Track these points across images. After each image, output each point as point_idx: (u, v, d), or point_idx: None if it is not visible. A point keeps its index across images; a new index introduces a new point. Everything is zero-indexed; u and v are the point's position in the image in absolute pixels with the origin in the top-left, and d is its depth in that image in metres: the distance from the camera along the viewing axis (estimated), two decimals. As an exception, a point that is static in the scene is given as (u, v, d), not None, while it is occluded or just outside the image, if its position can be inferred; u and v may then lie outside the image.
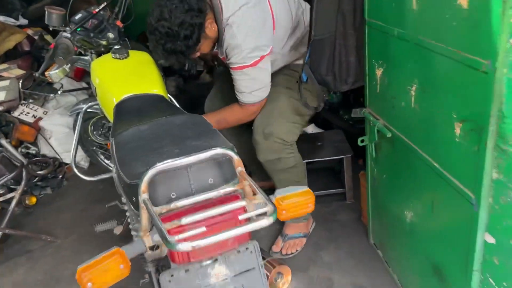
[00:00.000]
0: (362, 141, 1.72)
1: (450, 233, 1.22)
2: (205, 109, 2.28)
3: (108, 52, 1.84)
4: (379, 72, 1.50)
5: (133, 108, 1.39)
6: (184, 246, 0.78)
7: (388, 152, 1.56)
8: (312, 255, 1.94)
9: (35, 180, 2.68)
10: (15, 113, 2.74)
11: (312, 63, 1.61)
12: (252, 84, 1.76)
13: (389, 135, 1.46)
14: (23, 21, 3.44)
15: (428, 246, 1.38)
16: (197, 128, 1.14)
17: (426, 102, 1.22)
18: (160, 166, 0.86)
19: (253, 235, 1.06)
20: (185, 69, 4.58)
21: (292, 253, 1.96)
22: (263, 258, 1.11)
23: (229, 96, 2.16)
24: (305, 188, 0.99)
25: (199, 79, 4.71)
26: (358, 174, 2.17)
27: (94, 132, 2.10)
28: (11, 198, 2.26)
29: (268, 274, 1.66)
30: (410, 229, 1.48)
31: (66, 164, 2.92)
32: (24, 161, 2.45)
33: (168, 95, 1.76)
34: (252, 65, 1.71)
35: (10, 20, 3.36)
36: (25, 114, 2.80)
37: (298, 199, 0.96)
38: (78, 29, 1.80)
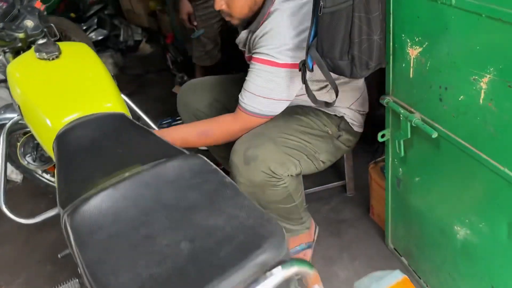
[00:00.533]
0: (383, 136, 1.38)
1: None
2: (178, 100, 1.80)
3: (28, 48, 1.30)
4: (414, 52, 1.13)
5: (86, 145, 0.92)
6: None
7: (427, 154, 1.22)
8: (325, 272, 1.63)
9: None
10: None
11: (321, 44, 1.20)
12: (268, 86, 1.35)
13: (434, 135, 1.12)
14: None
15: (497, 274, 1.09)
16: (203, 183, 0.72)
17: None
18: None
19: None
20: (120, 40, 3.97)
21: None
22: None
23: (221, 94, 1.71)
24: (399, 276, 0.63)
25: (138, 51, 4.09)
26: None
27: (27, 157, 1.57)
28: None
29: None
30: (463, 249, 1.19)
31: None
32: None
33: (130, 103, 1.29)
34: (283, 66, 1.31)
35: None
36: None
37: (396, 302, 0.60)
38: (-22, 19, 1.25)
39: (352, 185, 1.93)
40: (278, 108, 1.40)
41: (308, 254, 1.66)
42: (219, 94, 1.76)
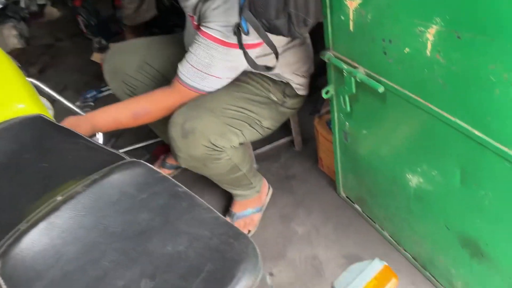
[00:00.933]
0: (327, 92, 1.33)
1: (497, 209, 0.97)
2: (105, 67, 1.61)
3: None
4: (352, 4, 1.06)
5: (3, 162, 0.77)
6: None
7: (374, 107, 1.20)
8: (284, 231, 1.63)
9: None
10: None
11: (253, 4, 1.09)
12: (212, 63, 1.23)
13: (381, 89, 1.09)
14: None
15: (451, 216, 1.13)
16: (152, 198, 0.63)
17: (462, 53, 0.84)
18: None
19: None
20: (21, 6, 3.49)
21: None
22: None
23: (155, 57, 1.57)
24: (379, 266, 0.60)
25: (43, 17, 3.64)
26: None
27: None
28: None
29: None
30: (416, 195, 1.22)
31: None
32: None
33: (42, 87, 1.12)
34: (232, 46, 1.18)
35: None
36: None
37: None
38: None
39: (300, 139, 1.91)
40: (219, 85, 1.30)
41: (255, 219, 1.64)
42: (149, 56, 1.60)
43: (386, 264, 0.61)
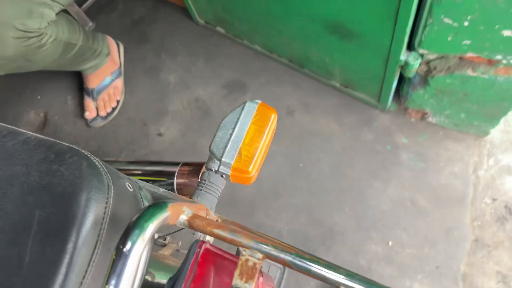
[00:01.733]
0: None
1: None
2: None
3: None
4: None
5: None
6: None
7: None
8: (156, 85, 1.46)
9: None
10: None
11: None
12: None
13: None
14: None
15: (314, 8, 1.04)
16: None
17: None
18: None
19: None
20: None
21: (114, 109, 1.43)
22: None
23: None
24: (254, 105, 0.50)
25: None
26: None
27: None
28: None
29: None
30: (272, -4, 1.08)
31: None
32: None
33: None
34: None
35: None
36: None
37: (262, 137, 0.48)
38: None
39: (128, -27, 1.58)
40: None
41: (119, 85, 1.44)
42: None
43: (260, 101, 0.51)
